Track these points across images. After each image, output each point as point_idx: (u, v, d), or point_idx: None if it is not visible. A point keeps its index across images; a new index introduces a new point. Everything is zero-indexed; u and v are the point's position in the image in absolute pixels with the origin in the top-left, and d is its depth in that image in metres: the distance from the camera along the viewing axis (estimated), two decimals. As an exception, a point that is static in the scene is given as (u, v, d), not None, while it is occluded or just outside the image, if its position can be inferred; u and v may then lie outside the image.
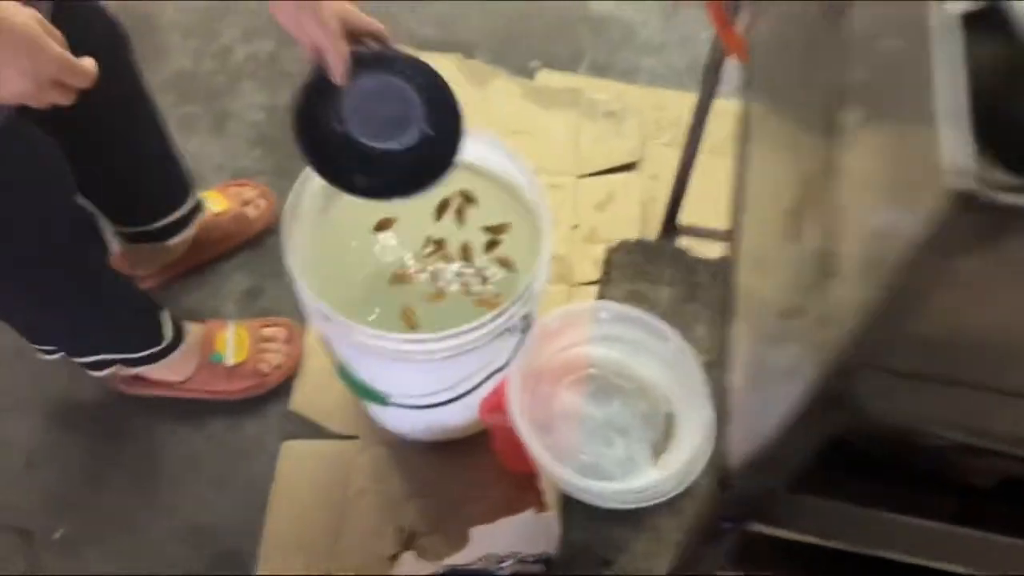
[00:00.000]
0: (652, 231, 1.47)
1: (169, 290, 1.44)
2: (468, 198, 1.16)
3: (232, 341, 1.32)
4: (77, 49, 0.76)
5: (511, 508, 1.23)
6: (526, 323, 1.03)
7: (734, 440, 0.54)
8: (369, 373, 1.10)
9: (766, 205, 0.58)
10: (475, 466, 1.27)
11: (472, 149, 1.12)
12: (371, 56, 0.90)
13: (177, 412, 1.33)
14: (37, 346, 1.21)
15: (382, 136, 0.96)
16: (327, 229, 1.13)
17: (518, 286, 1.06)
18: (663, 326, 1.16)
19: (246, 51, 1.73)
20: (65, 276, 1.08)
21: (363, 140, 0.96)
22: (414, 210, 1.13)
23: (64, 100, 0.77)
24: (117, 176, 1.25)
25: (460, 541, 1.20)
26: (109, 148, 1.20)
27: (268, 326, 1.37)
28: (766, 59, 0.67)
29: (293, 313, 1.40)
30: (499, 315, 0.98)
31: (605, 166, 1.56)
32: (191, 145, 1.59)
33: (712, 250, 1.36)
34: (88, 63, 0.77)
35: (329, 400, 1.34)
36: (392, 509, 1.24)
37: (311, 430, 1.32)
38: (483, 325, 0.97)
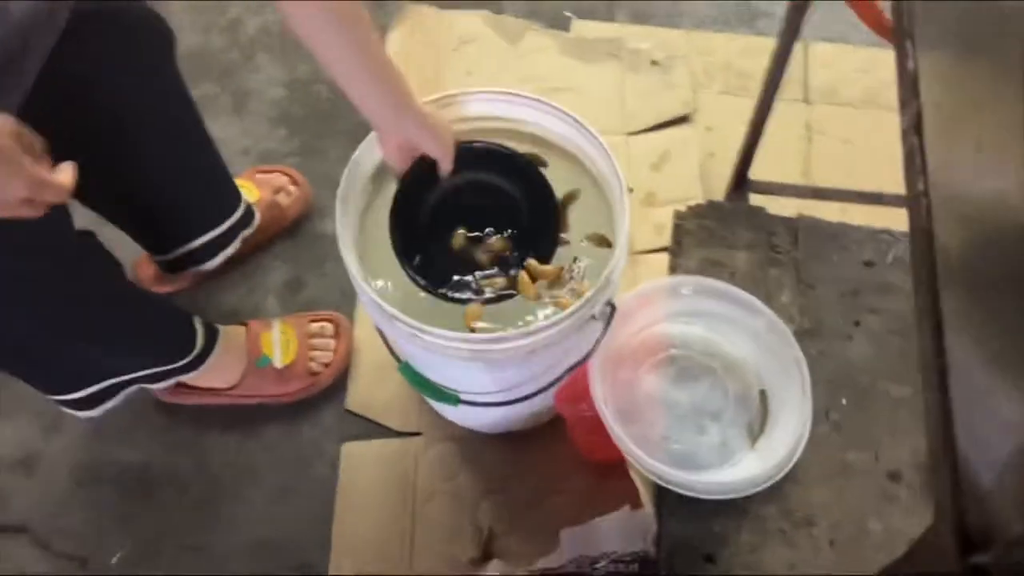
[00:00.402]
0: (716, 190, 1.37)
1: (203, 290, 1.35)
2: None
3: (279, 341, 1.23)
4: (123, 53, 0.69)
5: (593, 500, 1.15)
6: (610, 308, 0.94)
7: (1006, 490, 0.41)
8: (439, 373, 1.01)
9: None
10: (551, 457, 1.19)
11: (524, 112, 1.02)
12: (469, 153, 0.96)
13: (226, 420, 1.25)
14: (55, 396, 1.12)
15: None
16: (379, 215, 1.03)
17: (599, 268, 0.98)
18: (750, 298, 1.06)
19: (257, 23, 1.61)
20: (73, 308, 0.98)
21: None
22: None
23: (33, 214, 0.72)
24: (163, 194, 1.16)
25: (542, 538, 1.13)
26: (155, 163, 1.10)
27: (315, 320, 1.28)
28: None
29: (339, 304, 1.32)
30: (583, 305, 0.89)
31: (656, 121, 1.45)
32: (213, 129, 1.48)
33: (787, 207, 1.26)
34: (64, 178, 0.72)
35: (386, 395, 1.26)
36: (466, 508, 1.17)
37: (370, 429, 1.24)
38: (566, 318, 0.88)
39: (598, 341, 0.96)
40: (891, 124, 1.52)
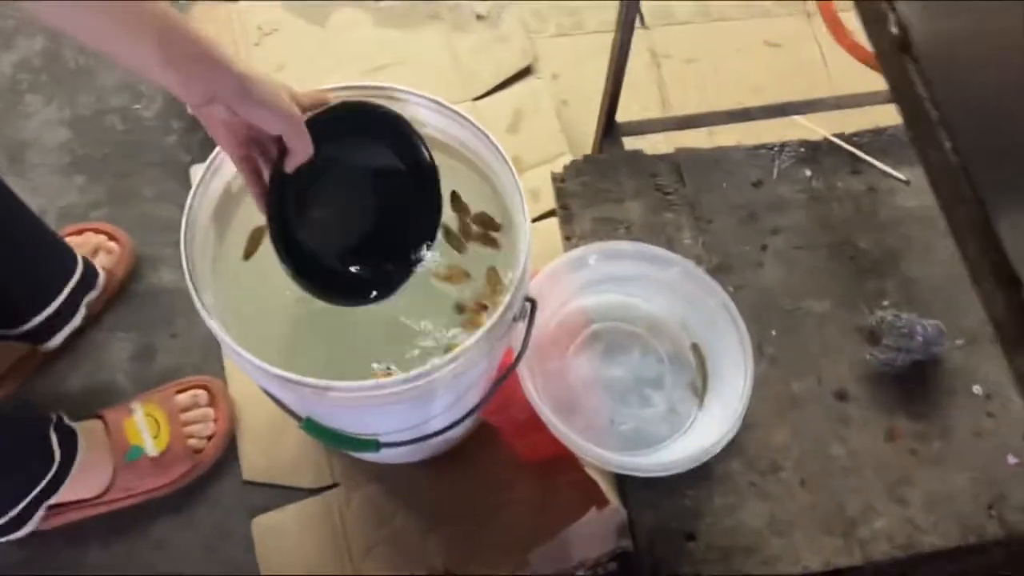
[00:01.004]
0: (581, 141, 1.28)
1: (35, 384, 1.12)
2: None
3: (145, 425, 1.05)
4: None
5: (548, 502, 1.06)
6: (530, 304, 0.83)
7: None
8: (352, 422, 0.87)
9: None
10: (490, 468, 1.08)
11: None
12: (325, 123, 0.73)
13: (106, 529, 1.06)
14: None
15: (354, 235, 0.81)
16: (232, 250, 0.87)
17: (499, 261, 0.87)
18: (658, 251, 0.99)
19: (12, 59, 1.35)
20: None
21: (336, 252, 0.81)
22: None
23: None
24: None
25: (507, 559, 1.03)
26: None
27: (182, 390, 1.10)
28: None
29: (200, 364, 1.15)
30: (505, 310, 0.78)
31: (498, 79, 1.34)
32: (-11, 197, 1.24)
33: (654, 144, 1.19)
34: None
35: (287, 453, 1.10)
36: (412, 552, 1.04)
37: (279, 496, 1.08)
38: (493, 329, 0.76)
39: (524, 341, 0.85)
40: (729, 36, 1.48)
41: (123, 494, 1.04)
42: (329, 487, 1.09)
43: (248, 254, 0.87)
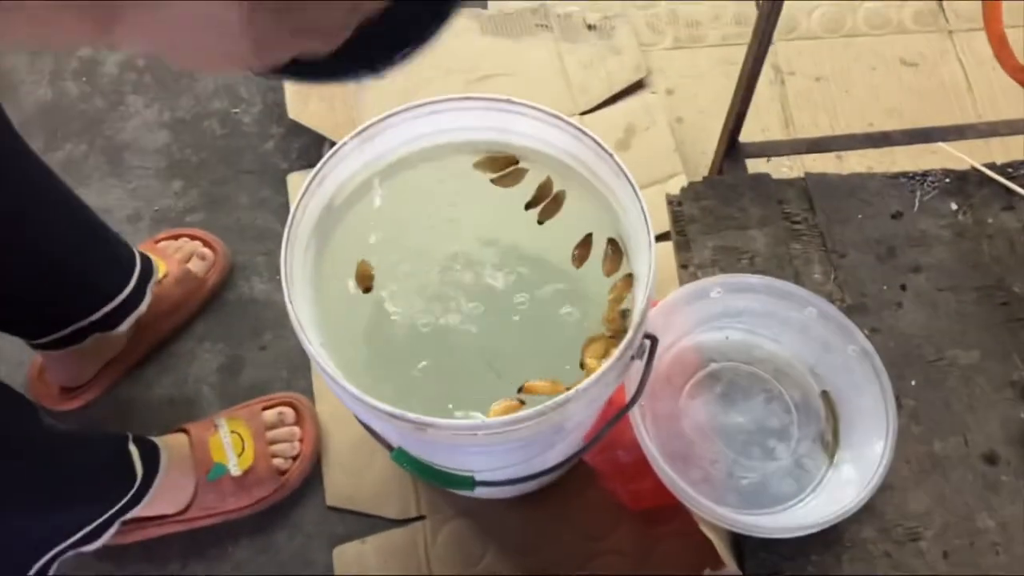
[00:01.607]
0: (696, 161, 1.20)
1: (118, 395, 1.10)
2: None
3: (230, 443, 1.00)
4: None
5: (648, 553, 0.97)
6: (650, 342, 0.75)
7: None
8: (447, 458, 0.81)
9: None
10: (587, 510, 1.01)
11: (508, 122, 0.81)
12: None
13: (185, 549, 1.02)
14: None
15: None
16: (326, 268, 0.82)
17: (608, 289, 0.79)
18: (792, 287, 0.89)
19: (117, 59, 1.34)
20: None
21: None
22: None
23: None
24: (36, 272, 0.91)
25: (599, 614, 0.95)
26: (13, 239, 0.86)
27: (268, 407, 1.05)
28: None
29: (289, 380, 1.10)
30: (626, 347, 0.70)
31: (609, 92, 1.26)
32: (87, 196, 1.22)
33: (773, 167, 1.09)
34: None
35: (373, 480, 1.04)
36: (500, 597, 0.97)
37: (362, 524, 1.03)
38: (612, 367, 0.68)
39: (642, 382, 0.77)
40: (861, 53, 1.37)
41: (203, 513, 1.00)
42: (415, 519, 1.02)
43: (366, 289, 0.82)
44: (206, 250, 1.14)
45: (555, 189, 0.84)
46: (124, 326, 1.02)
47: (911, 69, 1.27)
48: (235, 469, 0.99)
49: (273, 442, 1.02)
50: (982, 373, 0.94)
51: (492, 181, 0.84)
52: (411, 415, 0.67)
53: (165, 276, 1.08)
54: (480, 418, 0.75)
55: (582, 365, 0.77)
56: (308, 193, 0.77)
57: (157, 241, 1.14)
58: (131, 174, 1.25)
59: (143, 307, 1.03)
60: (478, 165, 0.84)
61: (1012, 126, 1.08)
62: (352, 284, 0.82)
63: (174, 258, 1.10)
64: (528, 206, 0.84)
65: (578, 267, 0.82)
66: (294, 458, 1.03)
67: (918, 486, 0.88)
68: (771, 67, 1.29)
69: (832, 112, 1.24)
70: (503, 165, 0.84)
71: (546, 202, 0.83)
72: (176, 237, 1.15)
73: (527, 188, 0.84)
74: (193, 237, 1.14)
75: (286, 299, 0.72)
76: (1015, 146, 1.13)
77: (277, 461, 1.02)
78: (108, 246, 1.00)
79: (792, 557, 0.85)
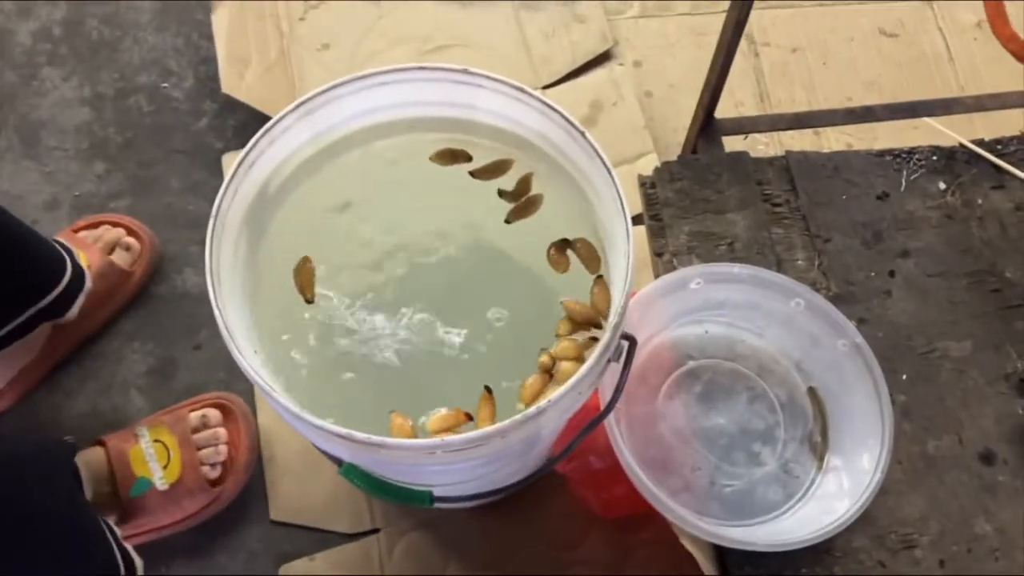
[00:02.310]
0: (669, 139, 1.12)
1: (34, 406, 0.98)
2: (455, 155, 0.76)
3: (153, 453, 0.90)
4: None
5: (622, 564, 0.90)
6: (628, 343, 0.67)
7: None
8: (403, 473, 0.72)
9: None
10: (556, 520, 0.93)
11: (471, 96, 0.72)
12: None
13: (113, 573, 0.92)
14: None
15: None
16: (261, 263, 0.72)
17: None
18: (778, 277, 0.82)
19: (32, 28, 1.21)
20: None
21: None
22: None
23: None
24: None
25: (571, 632, 0.87)
26: None
27: (194, 408, 0.95)
28: None
29: (227, 381, 1.00)
30: (603, 351, 0.62)
31: (573, 65, 1.18)
32: (3, 182, 1.10)
33: (760, 145, 1.02)
34: None
35: (322, 490, 0.95)
36: (463, 616, 0.90)
37: (311, 540, 0.94)
38: (587, 373, 0.60)
39: (618, 387, 0.69)
40: (839, 22, 1.29)
41: (132, 532, 0.90)
42: (369, 532, 0.94)
43: (308, 299, 0.73)
44: (131, 239, 1.02)
45: (533, 189, 0.75)
46: (75, 308, 0.92)
47: (890, 40, 1.20)
48: (161, 483, 0.89)
49: (201, 447, 0.93)
50: (975, 365, 0.88)
51: (471, 174, 0.75)
52: (360, 435, 0.59)
53: (87, 267, 0.97)
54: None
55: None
56: (237, 177, 0.67)
57: (76, 230, 1.03)
58: (48, 156, 1.13)
59: (88, 284, 0.93)
60: (435, 159, 0.75)
61: (1000, 100, 1.02)
62: (291, 283, 0.73)
63: (94, 248, 0.99)
64: (501, 195, 0.75)
65: (559, 270, 0.74)
66: (224, 464, 0.93)
67: (912, 489, 0.82)
68: (744, 38, 1.21)
69: (809, 85, 1.17)
70: (459, 159, 0.75)
71: (522, 200, 0.75)
72: (96, 225, 1.03)
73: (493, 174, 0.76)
74: (116, 224, 1.03)
75: (212, 300, 0.62)
76: (999, 121, 1.07)
77: (206, 470, 0.92)
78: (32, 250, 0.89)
79: (780, 570, 0.78)
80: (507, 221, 0.75)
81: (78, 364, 1.00)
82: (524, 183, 0.75)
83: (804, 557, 0.78)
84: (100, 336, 1.02)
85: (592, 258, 0.73)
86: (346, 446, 0.61)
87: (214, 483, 0.92)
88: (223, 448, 0.93)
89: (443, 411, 0.68)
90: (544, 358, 0.69)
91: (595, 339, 0.70)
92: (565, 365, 0.68)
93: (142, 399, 0.99)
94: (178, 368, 1.01)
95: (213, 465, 0.93)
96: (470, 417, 0.68)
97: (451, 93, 0.72)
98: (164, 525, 0.91)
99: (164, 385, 1.00)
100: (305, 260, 0.73)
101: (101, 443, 0.90)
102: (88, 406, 0.99)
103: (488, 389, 0.69)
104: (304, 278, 0.73)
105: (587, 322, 0.71)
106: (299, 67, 1.17)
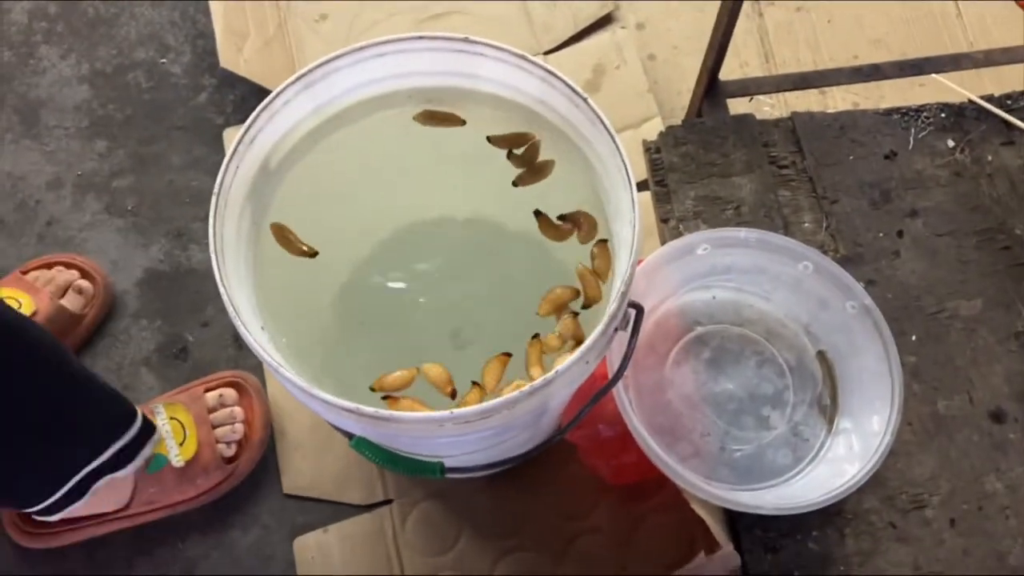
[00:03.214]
0: (673, 102, 1.10)
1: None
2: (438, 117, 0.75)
3: (169, 431, 0.91)
4: None
5: (632, 530, 0.91)
6: (635, 311, 0.67)
7: None
8: (414, 445, 0.72)
9: None
10: (565, 488, 0.93)
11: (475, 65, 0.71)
12: None
13: (128, 548, 0.93)
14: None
15: None
16: (265, 238, 0.72)
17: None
18: (785, 241, 0.81)
19: (27, 7, 1.20)
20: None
21: None
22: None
23: None
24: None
25: (584, 597, 0.88)
26: None
27: (210, 388, 0.96)
28: None
29: (236, 357, 1.00)
30: (610, 320, 0.62)
31: (574, 29, 1.16)
32: (4, 162, 1.10)
33: (764, 107, 1.01)
34: None
35: (334, 463, 0.96)
36: (477, 584, 0.90)
37: (324, 512, 0.95)
38: (595, 343, 0.60)
39: (626, 355, 0.69)
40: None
41: (146, 508, 0.91)
42: (381, 504, 0.94)
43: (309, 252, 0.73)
44: (83, 282, 1.00)
45: (541, 156, 0.74)
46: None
47: (897, -5, 1.18)
48: (177, 460, 0.90)
49: (217, 426, 0.93)
50: (985, 324, 0.87)
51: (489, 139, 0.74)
52: (369, 409, 0.59)
53: (33, 315, 0.95)
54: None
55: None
56: (238, 153, 0.66)
57: (25, 272, 0.99)
58: (49, 135, 1.12)
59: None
60: (418, 118, 0.74)
61: (1009, 54, 1.01)
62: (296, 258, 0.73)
63: (44, 292, 0.96)
64: (510, 157, 0.74)
65: (553, 239, 0.74)
66: (239, 443, 0.94)
67: (922, 450, 0.82)
68: (748, -3, 1.19)
69: (814, 45, 1.15)
70: (445, 121, 0.74)
71: (534, 165, 0.74)
72: (50, 266, 1.00)
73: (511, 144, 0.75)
74: (70, 265, 1.00)
75: (216, 277, 0.62)
76: (1010, 77, 1.05)
77: (222, 448, 0.93)
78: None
79: (791, 533, 0.78)
80: (515, 184, 0.74)
81: (88, 345, 1.00)
82: (533, 148, 0.74)
83: (814, 519, 0.78)
84: (106, 316, 1.02)
85: (589, 227, 0.72)
86: (355, 420, 0.61)
87: (229, 460, 0.93)
88: (239, 427, 0.94)
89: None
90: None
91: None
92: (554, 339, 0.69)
93: (152, 377, 1.00)
94: (187, 345, 1.01)
95: (229, 443, 0.93)
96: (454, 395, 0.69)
97: (452, 62, 0.71)
98: (178, 502, 0.92)
99: (173, 363, 1.00)
100: (277, 227, 0.72)
101: None
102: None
103: (507, 354, 0.69)
104: (286, 240, 0.72)
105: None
106: (297, 40, 1.16)
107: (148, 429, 0.88)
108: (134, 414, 0.86)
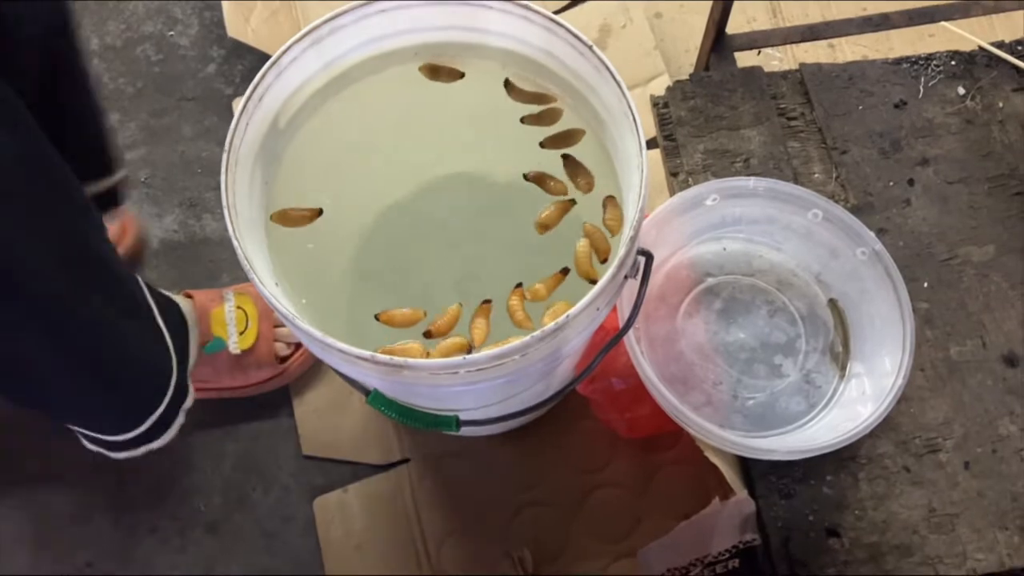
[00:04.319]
0: (681, 59, 1.10)
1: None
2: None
3: (234, 318, 0.94)
4: None
5: (648, 484, 0.92)
6: (644, 258, 0.67)
7: None
8: (428, 398, 0.73)
9: None
10: (579, 443, 0.94)
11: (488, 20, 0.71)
12: None
13: (155, 503, 0.95)
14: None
15: None
16: (277, 199, 0.73)
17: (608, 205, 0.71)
18: (794, 189, 0.81)
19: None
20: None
21: None
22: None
23: None
24: None
25: (601, 549, 0.89)
26: None
27: None
28: None
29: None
30: (619, 267, 0.62)
31: (580, -11, 1.15)
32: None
33: (773, 60, 1.00)
34: None
35: (351, 424, 0.97)
36: (495, 539, 0.91)
37: (343, 472, 0.96)
38: (603, 290, 0.61)
39: (636, 304, 0.69)
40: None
41: (197, 385, 0.94)
42: (399, 463, 0.96)
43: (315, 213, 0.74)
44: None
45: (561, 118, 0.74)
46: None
47: (905, -55, 1.17)
48: (234, 347, 0.93)
49: (278, 324, 0.96)
50: (998, 269, 0.87)
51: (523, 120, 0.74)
52: (382, 356, 0.60)
53: None
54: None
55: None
56: (247, 111, 0.67)
57: None
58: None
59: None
60: (423, 71, 0.74)
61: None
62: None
63: None
64: (524, 121, 0.74)
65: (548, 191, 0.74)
66: (296, 346, 0.96)
67: (935, 394, 0.82)
68: (753, -49, 1.18)
69: (823, 2, 1.15)
70: (449, 75, 0.75)
71: (562, 132, 0.74)
72: None
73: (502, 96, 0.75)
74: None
75: (230, 230, 0.63)
76: (1020, 22, 1.04)
77: (279, 346, 0.95)
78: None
79: (805, 479, 0.79)
80: (542, 145, 0.74)
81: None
82: (553, 113, 0.74)
83: (829, 464, 0.79)
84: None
85: (583, 175, 0.73)
86: (370, 368, 0.62)
87: (282, 360, 0.96)
88: None
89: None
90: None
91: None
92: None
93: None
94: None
95: (287, 344, 0.97)
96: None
97: (457, 16, 0.71)
98: (226, 387, 0.95)
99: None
100: (278, 215, 0.73)
101: (189, 296, 0.94)
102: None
103: (486, 301, 0.70)
104: (291, 219, 0.73)
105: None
106: (303, 8, 1.16)
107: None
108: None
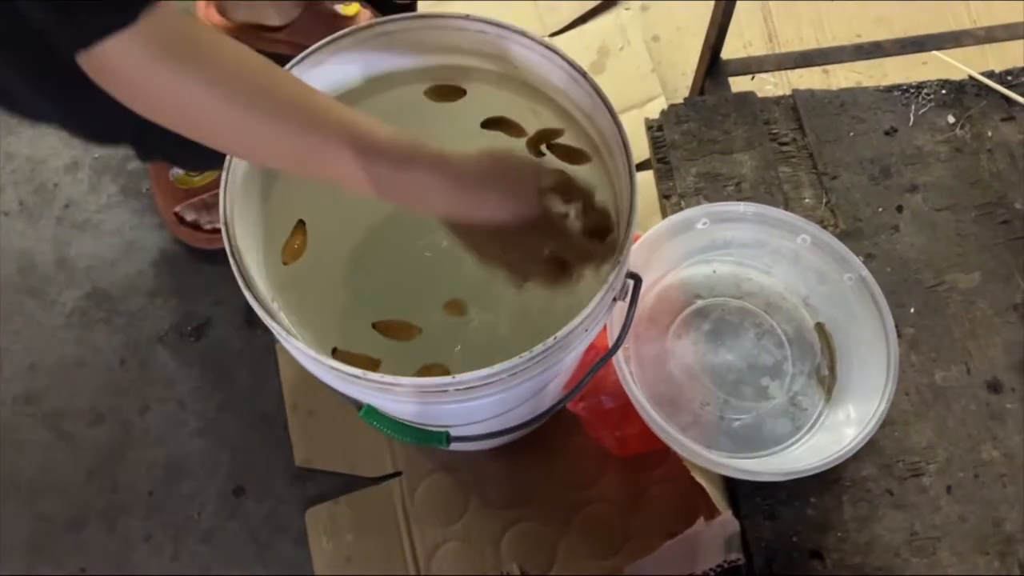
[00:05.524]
0: (677, 83, 1.12)
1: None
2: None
3: None
4: None
5: (638, 501, 0.93)
6: (634, 281, 0.69)
7: None
8: (420, 414, 0.75)
9: None
10: (569, 459, 0.95)
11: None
12: None
13: (151, 511, 0.96)
14: None
15: None
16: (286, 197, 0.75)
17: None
18: (783, 214, 0.83)
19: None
20: None
21: None
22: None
23: None
24: None
25: (592, 563, 0.91)
26: None
27: None
28: None
29: (245, 335, 1.03)
30: (608, 289, 0.63)
31: (579, 11, 1.17)
32: (18, 146, 1.13)
33: (768, 86, 1.02)
34: None
35: (344, 436, 0.98)
36: (486, 552, 0.93)
37: (335, 484, 0.97)
38: (592, 311, 0.62)
39: (625, 325, 0.71)
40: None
41: (297, 37, 1.01)
42: (391, 476, 0.97)
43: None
44: None
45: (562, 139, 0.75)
46: None
47: (900, -26, 1.19)
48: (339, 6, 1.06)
49: None
50: (984, 296, 0.88)
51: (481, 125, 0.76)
52: (374, 375, 0.61)
53: None
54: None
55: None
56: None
57: None
58: (65, 120, 1.15)
59: None
60: (428, 94, 0.76)
61: (1010, 30, 1.01)
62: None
63: None
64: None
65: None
66: None
67: (919, 419, 0.83)
68: (752, -24, 1.20)
69: (817, 24, 1.16)
70: (451, 95, 0.76)
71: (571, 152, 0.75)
72: None
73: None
74: None
75: (227, 245, 0.64)
76: (1013, 53, 1.06)
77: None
78: None
79: (789, 500, 0.80)
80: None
81: (107, 321, 1.03)
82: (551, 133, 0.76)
83: (813, 486, 0.80)
84: (124, 295, 1.05)
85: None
86: (362, 386, 0.63)
87: None
88: None
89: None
90: None
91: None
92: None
93: (167, 354, 1.02)
94: (201, 324, 1.04)
95: None
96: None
97: (453, 40, 0.73)
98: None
99: (188, 341, 1.03)
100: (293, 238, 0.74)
101: None
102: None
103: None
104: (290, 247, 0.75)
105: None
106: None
107: None
108: None
